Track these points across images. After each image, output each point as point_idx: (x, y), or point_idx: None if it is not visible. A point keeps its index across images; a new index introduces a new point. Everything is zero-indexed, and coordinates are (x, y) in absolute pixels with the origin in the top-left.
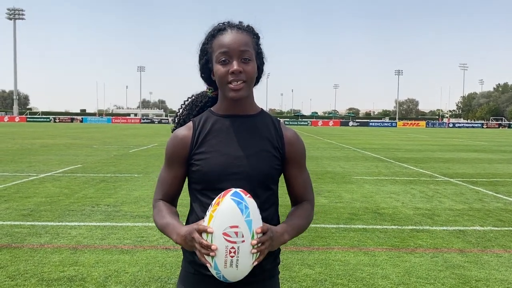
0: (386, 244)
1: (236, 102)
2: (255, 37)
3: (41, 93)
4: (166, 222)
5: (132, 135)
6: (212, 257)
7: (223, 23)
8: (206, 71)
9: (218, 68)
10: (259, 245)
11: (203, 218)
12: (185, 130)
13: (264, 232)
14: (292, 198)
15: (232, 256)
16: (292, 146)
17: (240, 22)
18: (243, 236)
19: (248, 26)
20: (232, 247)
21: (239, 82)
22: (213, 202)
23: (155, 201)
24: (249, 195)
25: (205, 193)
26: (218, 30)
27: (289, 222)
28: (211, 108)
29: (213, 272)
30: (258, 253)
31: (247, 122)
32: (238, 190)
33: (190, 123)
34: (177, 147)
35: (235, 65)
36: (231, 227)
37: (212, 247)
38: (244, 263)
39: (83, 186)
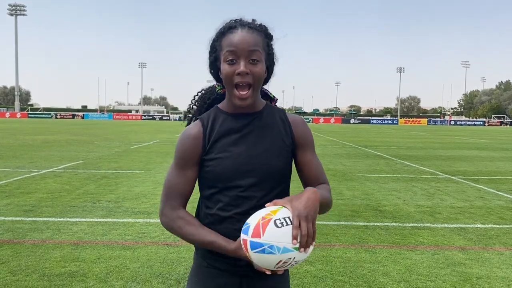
0: (387, 241)
1: None
2: (267, 37)
3: (42, 89)
4: (211, 240)
5: (133, 131)
6: None
7: (235, 21)
8: (214, 68)
9: (225, 68)
10: (304, 245)
11: (210, 214)
12: (196, 129)
13: (300, 226)
14: (307, 184)
15: (292, 265)
16: (299, 128)
17: (253, 20)
18: (290, 259)
19: (260, 25)
20: (287, 265)
21: (245, 91)
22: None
23: (173, 209)
24: (262, 216)
25: (215, 191)
26: (229, 28)
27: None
28: (218, 106)
29: None
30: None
31: (255, 119)
32: (249, 230)
33: (199, 122)
34: (190, 146)
35: (242, 66)
36: (277, 264)
37: (267, 272)
38: (302, 258)
39: (85, 182)
